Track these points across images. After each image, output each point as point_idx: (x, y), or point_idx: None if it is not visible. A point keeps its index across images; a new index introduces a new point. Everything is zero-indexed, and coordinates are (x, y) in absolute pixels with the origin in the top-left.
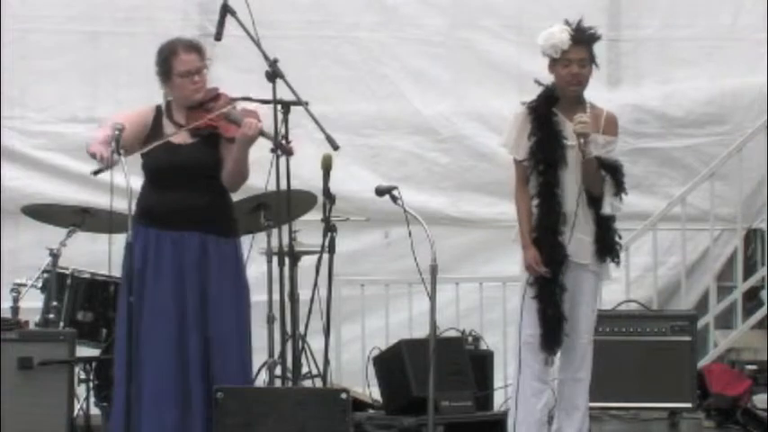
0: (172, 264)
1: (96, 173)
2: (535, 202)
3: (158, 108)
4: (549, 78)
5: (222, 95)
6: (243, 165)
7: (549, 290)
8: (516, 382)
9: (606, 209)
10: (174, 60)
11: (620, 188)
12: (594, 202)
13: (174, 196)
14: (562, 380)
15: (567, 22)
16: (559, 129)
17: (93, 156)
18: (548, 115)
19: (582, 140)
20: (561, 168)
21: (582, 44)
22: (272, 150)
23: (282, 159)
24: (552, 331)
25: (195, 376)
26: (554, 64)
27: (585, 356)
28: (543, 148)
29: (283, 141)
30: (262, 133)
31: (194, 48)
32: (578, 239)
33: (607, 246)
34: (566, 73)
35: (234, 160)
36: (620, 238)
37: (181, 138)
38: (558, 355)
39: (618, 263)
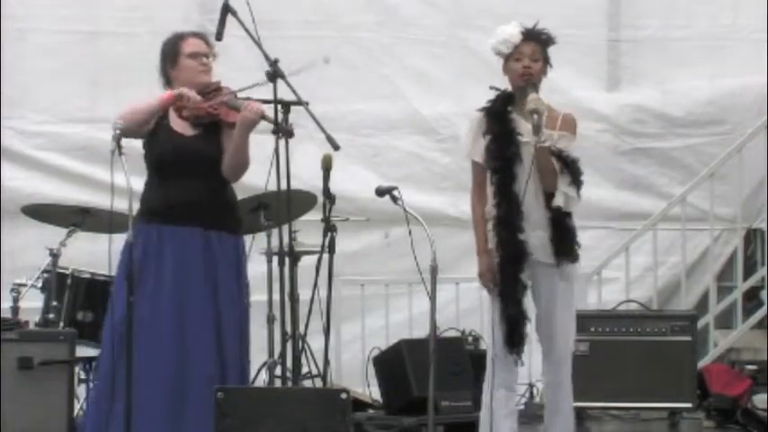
0: (173, 262)
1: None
2: (493, 201)
3: None
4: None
5: (224, 87)
6: (243, 152)
7: (510, 288)
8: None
9: (558, 200)
10: (183, 43)
11: (574, 181)
12: (551, 199)
13: (176, 189)
14: (546, 383)
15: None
16: (513, 126)
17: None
18: (502, 113)
19: (536, 117)
20: (516, 165)
21: (532, 40)
22: (274, 132)
23: (282, 160)
24: (514, 330)
25: (193, 376)
26: (507, 61)
27: (563, 361)
28: (498, 146)
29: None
30: (263, 116)
31: (201, 36)
32: (540, 237)
33: (562, 246)
34: (518, 66)
35: (234, 146)
36: (575, 236)
37: (183, 128)
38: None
39: (573, 261)
